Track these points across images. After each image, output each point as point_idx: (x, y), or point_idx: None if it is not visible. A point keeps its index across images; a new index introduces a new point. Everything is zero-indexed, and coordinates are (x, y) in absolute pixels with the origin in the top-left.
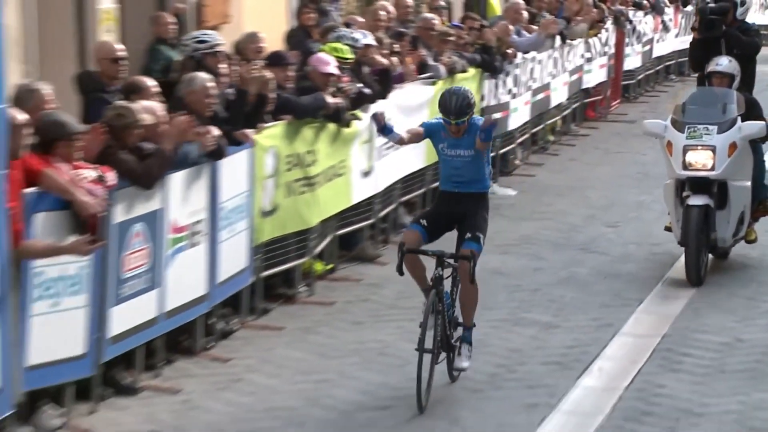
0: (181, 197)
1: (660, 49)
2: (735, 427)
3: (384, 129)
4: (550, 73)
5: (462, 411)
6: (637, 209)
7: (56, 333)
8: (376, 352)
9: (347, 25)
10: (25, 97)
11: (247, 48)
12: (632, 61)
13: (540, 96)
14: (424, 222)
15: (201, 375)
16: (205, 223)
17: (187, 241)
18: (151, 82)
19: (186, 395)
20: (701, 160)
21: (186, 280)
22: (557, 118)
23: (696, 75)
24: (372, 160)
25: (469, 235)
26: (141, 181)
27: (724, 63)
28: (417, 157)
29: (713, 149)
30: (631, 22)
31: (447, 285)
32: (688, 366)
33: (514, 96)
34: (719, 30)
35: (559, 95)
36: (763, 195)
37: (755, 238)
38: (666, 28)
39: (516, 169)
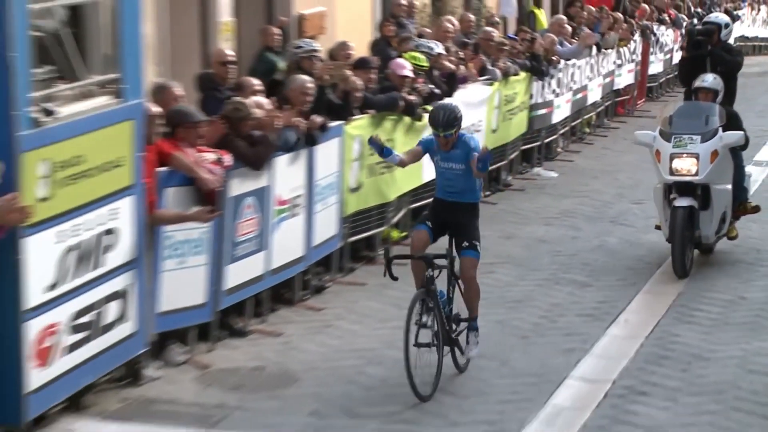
0: (284, 176)
1: (678, 58)
2: (737, 370)
3: (383, 151)
4: (587, 76)
5: (512, 354)
6: None
7: (182, 286)
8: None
9: (420, 36)
10: (158, 93)
11: (338, 54)
12: (655, 67)
13: (579, 95)
14: (429, 223)
15: (298, 321)
16: (303, 198)
17: (288, 212)
18: (255, 82)
19: (286, 338)
20: (686, 166)
21: (287, 244)
22: (593, 113)
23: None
24: None
25: (466, 243)
26: (251, 163)
27: (709, 80)
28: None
29: (697, 157)
30: (655, 34)
31: (442, 284)
32: (699, 319)
33: (557, 95)
34: (705, 50)
35: (594, 95)
36: (742, 196)
37: (736, 235)
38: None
39: (558, 156)
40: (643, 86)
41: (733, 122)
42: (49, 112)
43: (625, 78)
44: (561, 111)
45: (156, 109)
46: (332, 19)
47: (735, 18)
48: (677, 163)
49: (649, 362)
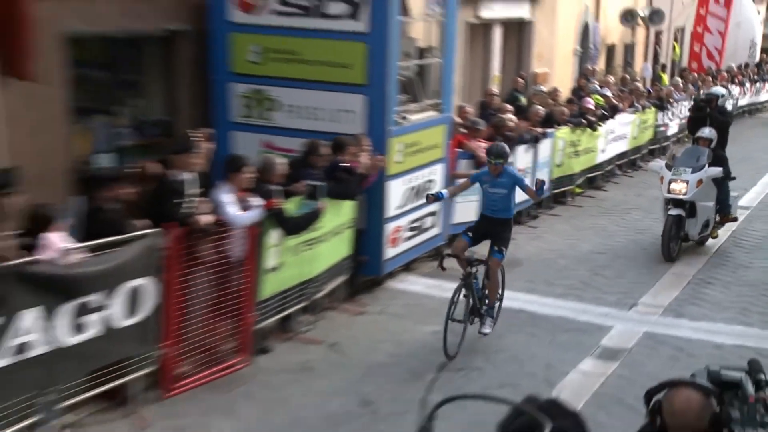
0: (521, 156)
1: (742, 102)
2: (765, 274)
3: (437, 199)
4: (688, 109)
5: (636, 256)
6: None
7: (464, 210)
8: (600, 229)
9: (596, 85)
10: (460, 111)
11: (553, 94)
12: (728, 108)
13: (683, 120)
14: (469, 234)
15: (524, 233)
16: (530, 168)
17: (523, 175)
18: (508, 107)
19: (516, 240)
20: (678, 188)
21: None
22: None
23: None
24: (606, 144)
25: (496, 248)
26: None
27: (706, 132)
28: (624, 144)
29: (687, 182)
30: (729, 91)
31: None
32: (744, 244)
33: (671, 120)
34: (705, 112)
35: None
36: (726, 210)
37: (716, 236)
38: (745, 93)
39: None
40: None
41: (718, 161)
42: (404, 118)
43: None
44: (672, 129)
45: (457, 119)
46: (552, 76)
47: None
48: (673, 186)
49: (713, 267)
